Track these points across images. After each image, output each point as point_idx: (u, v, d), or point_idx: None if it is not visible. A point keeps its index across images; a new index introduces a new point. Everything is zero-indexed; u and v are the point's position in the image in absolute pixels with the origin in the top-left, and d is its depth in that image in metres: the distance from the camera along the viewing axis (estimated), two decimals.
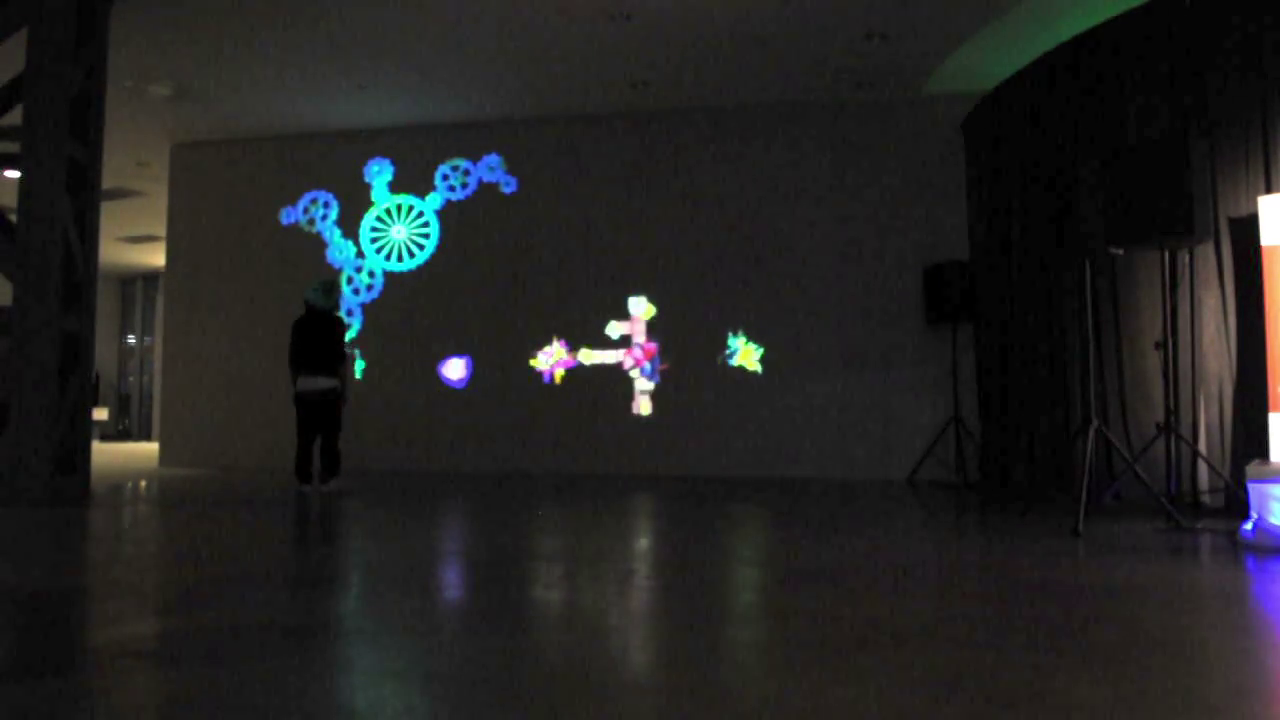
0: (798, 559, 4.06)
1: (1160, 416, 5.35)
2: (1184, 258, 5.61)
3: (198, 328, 10.40)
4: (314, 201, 10.23)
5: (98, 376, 16.99)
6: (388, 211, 10.07)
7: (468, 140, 9.85)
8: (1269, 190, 5.27)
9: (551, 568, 3.97)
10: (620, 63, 8.22)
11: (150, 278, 18.79)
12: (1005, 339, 7.39)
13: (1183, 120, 5.72)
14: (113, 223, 12.90)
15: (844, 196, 8.95)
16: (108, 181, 10.47)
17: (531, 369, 9.49)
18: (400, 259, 9.98)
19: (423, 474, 9.09)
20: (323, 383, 6.99)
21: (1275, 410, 4.93)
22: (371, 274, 10.05)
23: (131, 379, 19.64)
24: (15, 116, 6.56)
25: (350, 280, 10.08)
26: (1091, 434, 4.98)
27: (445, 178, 9.94)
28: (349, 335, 7.39)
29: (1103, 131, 6.22)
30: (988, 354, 7.83)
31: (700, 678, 2.23)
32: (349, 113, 9.58)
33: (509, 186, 9.74)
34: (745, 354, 9.00)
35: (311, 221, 10.17)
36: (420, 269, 9.88)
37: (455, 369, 9.58)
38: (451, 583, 3.70)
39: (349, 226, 10.14)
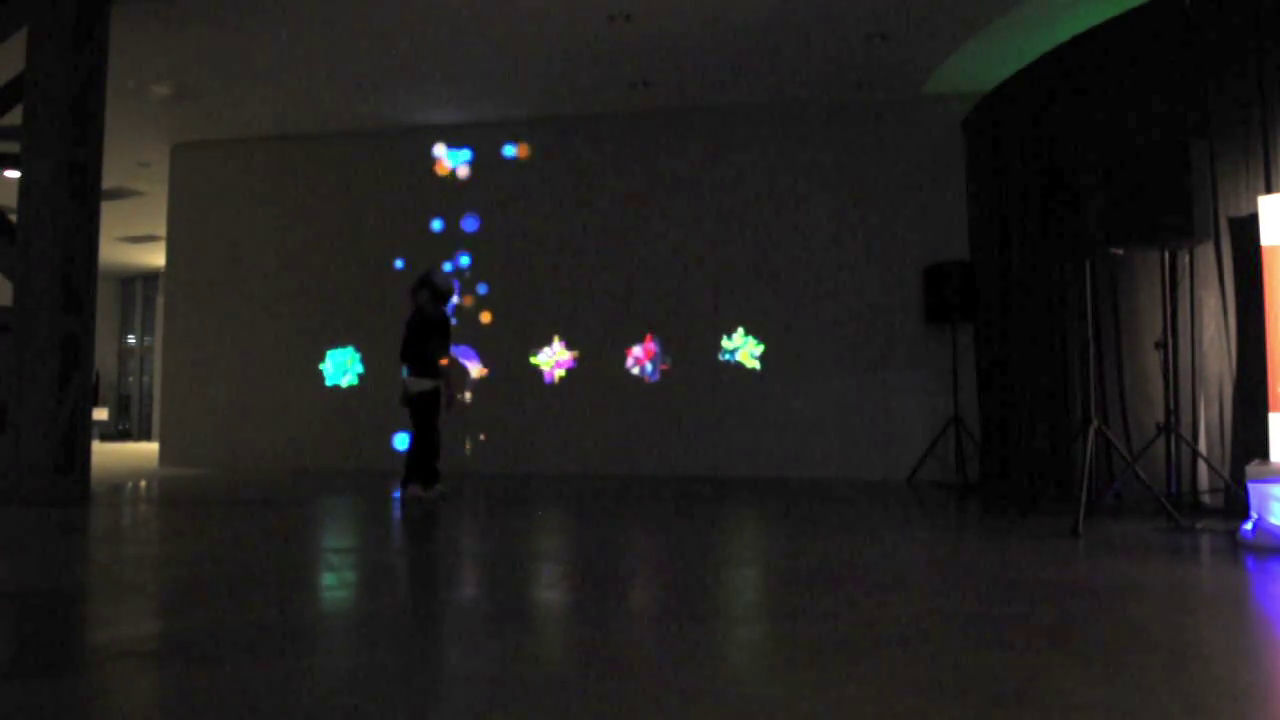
0: (797, 559, 4.06)
1: (1160, 416, 5.34)
2: (1184, 258, 5.61)
3: (198, 328, 10.40)
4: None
5: (98, 376, 17.00)
6: None
7: (467, 141, 9.85)
8: (1269, 190, 5.27)
9: (551, 569, 3.97)
10: (620, 63, 8.21)
11: (150, 278, 18.79)
12: (1005, 339, 7.39)
13: (1183, 121, 5.72)
14: (113, 223, 12.88)
15: (844, 196, 8.95)
16: (108, 181, 10.46)
17: (535, 370, 9.49)
18: None
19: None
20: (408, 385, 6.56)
21: (1275, 410, 4.93)
22: None
23: (131, 379, 19.64)
24: (15, 116, 6.55)
25: None
26: (1091, 434, 4.98)
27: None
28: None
29: (1103, 132, 6.21)
30: (988, 354, 7.82)
31: (700, 678, 2.23)
32: (348, 113, 9.58)
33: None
34: (744, 353, 8.99)
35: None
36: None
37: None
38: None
39: None
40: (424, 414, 6.46)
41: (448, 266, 9.60)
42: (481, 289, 9.69)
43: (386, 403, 9.64)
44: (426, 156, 9.95)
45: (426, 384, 6.46)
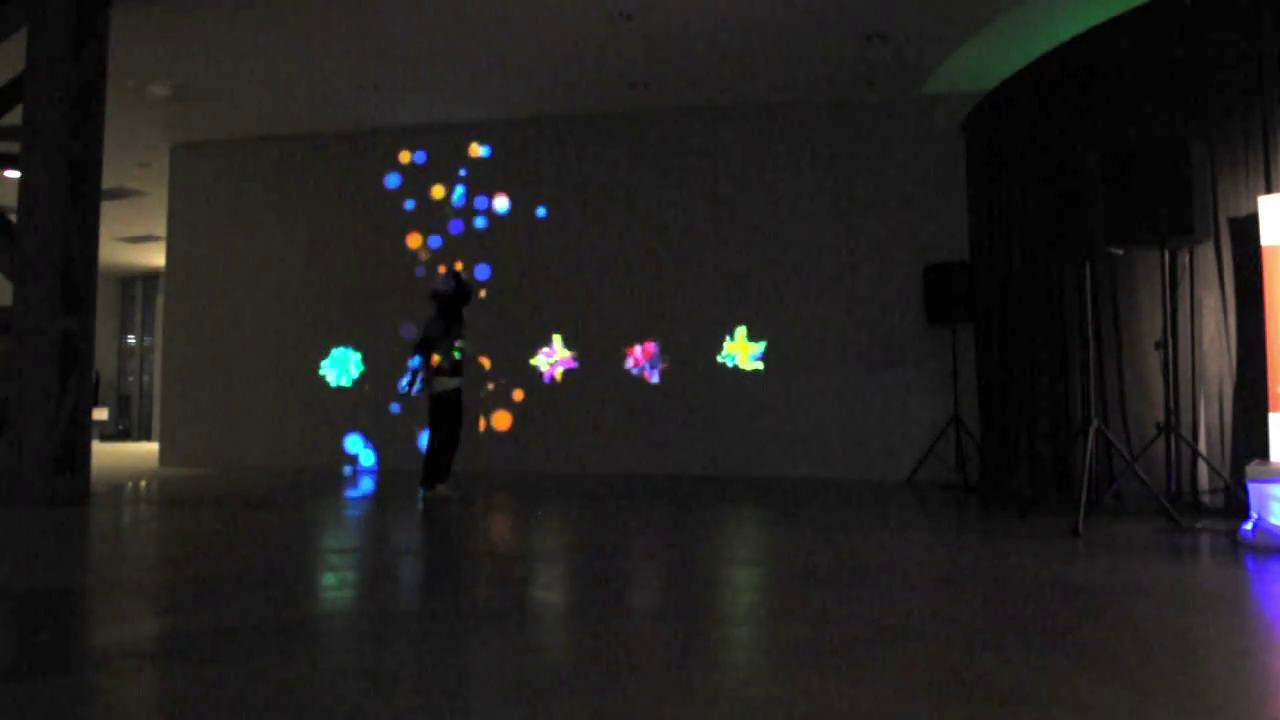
0: (797, 559, 4.06)
1: (1160, 416, 5.34)
2: (1184, 258, 5.61)
3: (198, 328, 10.40)
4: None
5: (98, 376, 16.99)
6: None
7: (467, 141, 9.84)
8: (1269, 190, 5.27)
9: (550, 569, 3.97)
10: (620, 63, 8.21)
11: (150, 278, 18.79)
12: (1005, 339, 7.38)
13: (1183, 120, 5.72)
14: (113, 223, 12.89)
15: (844, 196, 8.95)
16: (108, 181, 10.46)
17: (534, 368, 9.49)
18: None
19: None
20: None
21: (1275, 410, 4.93)
22: None
23: (131, 379, 19.63)
24: (15, 116, 6.55)
25: None
26: (1091, 434, 4.98)
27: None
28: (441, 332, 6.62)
29: (1103, 131, 6.21)
30: (988, 354, 7.82)
31: (701, 678, 2.23)
32: (349, 114, 9.58)
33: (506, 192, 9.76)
34: (744, 352, 8.99)
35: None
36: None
37: None
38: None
39: None
40: (448, 412, 6.55)
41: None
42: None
43: (387, 403, 9.66)
44: (426, 156, 9.95)
45: (452, 382, 6.57)
